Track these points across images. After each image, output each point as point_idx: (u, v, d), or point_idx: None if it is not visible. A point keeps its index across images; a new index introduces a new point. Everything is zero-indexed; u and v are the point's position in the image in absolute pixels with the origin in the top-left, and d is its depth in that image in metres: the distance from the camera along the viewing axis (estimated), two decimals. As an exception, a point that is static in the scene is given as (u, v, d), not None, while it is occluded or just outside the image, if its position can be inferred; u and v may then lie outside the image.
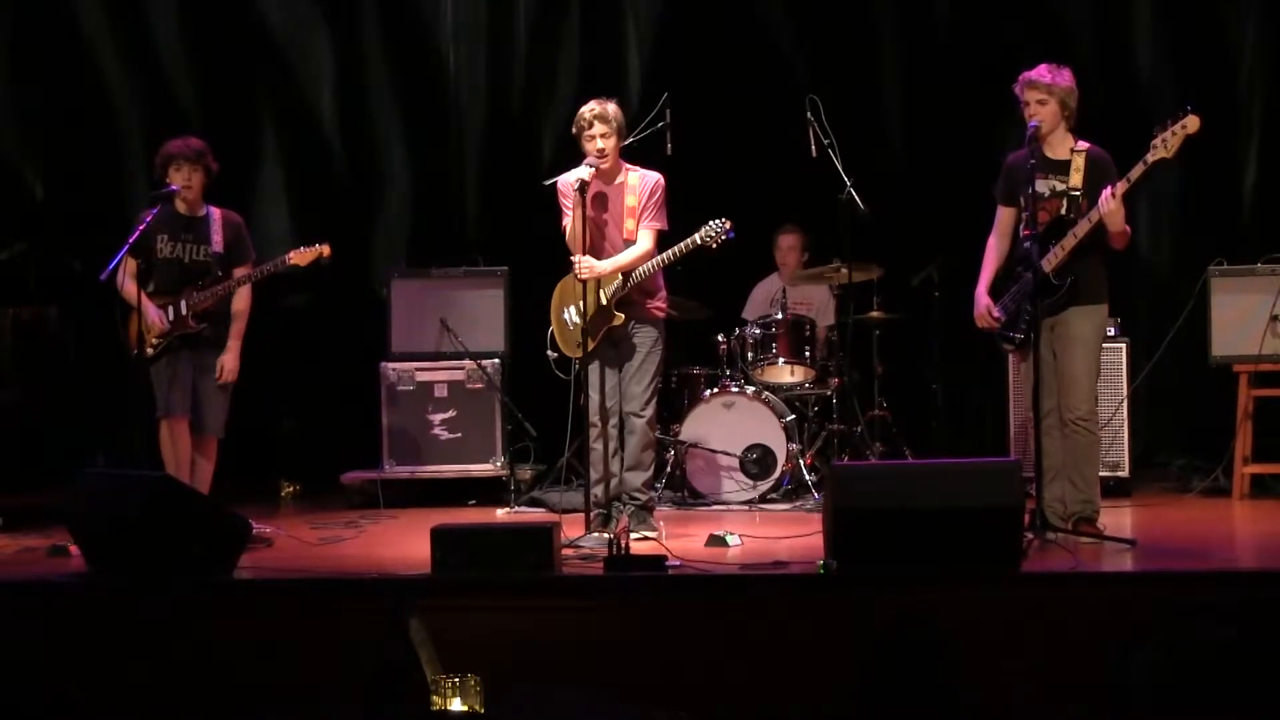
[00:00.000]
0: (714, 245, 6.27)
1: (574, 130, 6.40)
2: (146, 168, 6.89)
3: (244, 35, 8.91)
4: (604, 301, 6.32)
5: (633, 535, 6.14)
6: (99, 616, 5.16)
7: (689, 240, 6.28)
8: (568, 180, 6.34)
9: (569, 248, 6.39)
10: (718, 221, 6.24)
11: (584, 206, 6.22)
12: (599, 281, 6.33)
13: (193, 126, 8.08)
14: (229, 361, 6.67)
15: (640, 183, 6.40)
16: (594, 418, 6.39)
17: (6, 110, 8.94)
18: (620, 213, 6.39)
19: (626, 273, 6.33)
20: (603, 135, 6.29)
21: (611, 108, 6.36)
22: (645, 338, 6.45)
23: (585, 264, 6.25)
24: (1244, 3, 8.33)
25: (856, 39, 8.70)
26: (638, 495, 6.44)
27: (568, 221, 6.38)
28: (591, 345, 6.32)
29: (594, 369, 6.38)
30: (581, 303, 6.25)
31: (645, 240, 6.36)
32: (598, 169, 6.30)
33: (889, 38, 8.73)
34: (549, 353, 6.76)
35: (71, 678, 4.86)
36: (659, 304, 6.54)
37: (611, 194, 6.42)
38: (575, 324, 6.41)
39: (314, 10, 9.00)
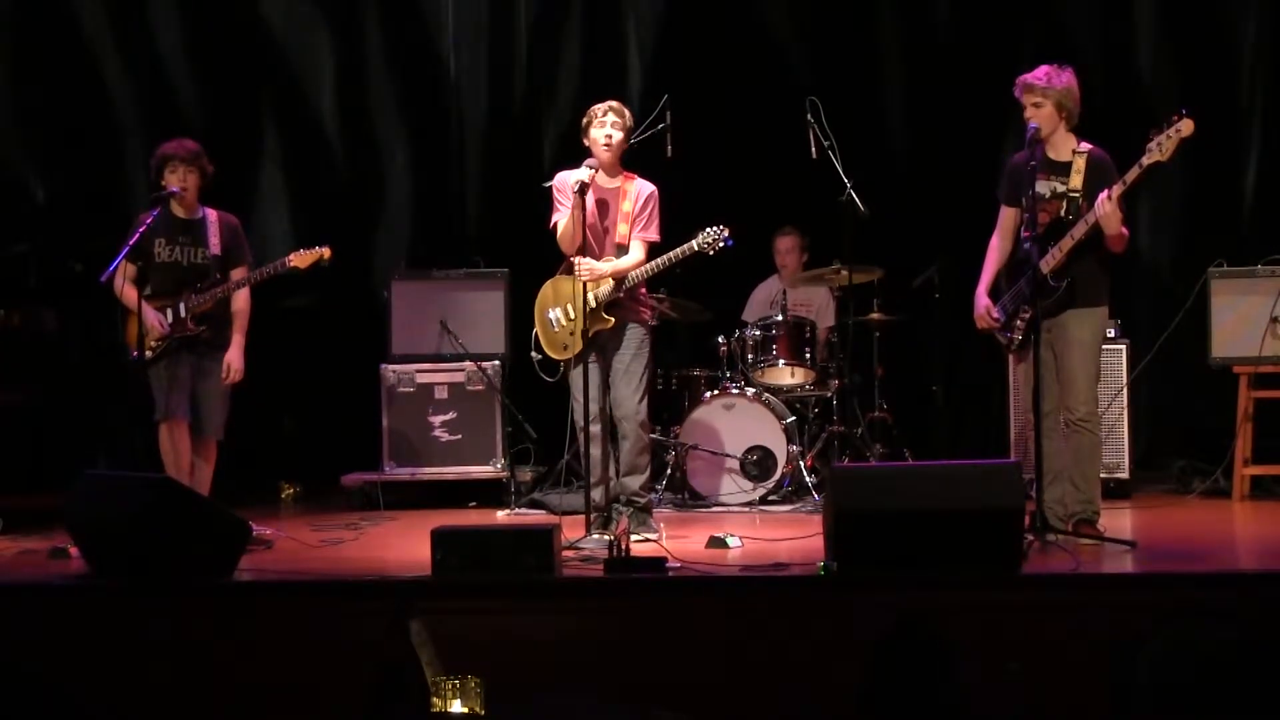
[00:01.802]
0: (711, 252, 6.26)
1: (583, 121, 6.42)
2: (147, 169, 6.88)
3: (244, 36, 8.91)
4: (593, 304, 6.32)
5: (633, 537, 6.15)
6: (99, 618, 5.15)
7: (686, 246, 6.28)
8: (566, 179, 6.34)
9: (559, 245, 6.40)
10: (715, 228, 6.24)
11: (583, 209, 6.22)
12: (587, 285, 6.31)
13: (193, 127, 8.09)
14: (235, 360, 6.67)
15: (636, 190, 6.40)
16: (584, 421, 6.37)
17: (7, 111, 8.93)
18: (615, 216, 6.40)
19: (619, 278, 6.34)
20: (614, 125, 6.33)
21: (626, 110, 6.42)
22: (632, 339, 6.43)
23: (586, 265, 6.24)
24: (1244, 3, 8.33)
25: (856, 39, 8.71)
26: (636, 498, 6.44)
27: (559, 218, 6.38)
28: (578, 348, 6.31)
29: (581, 373, 6.34)
30: (569, 305, 6.27)
31: (638, 251, 6.37)
32: (597, 170, 6.30)
33: (889, 38, 8.73)
34: (533, 355, 6.75)
35: (72, 680, 4.87)
36: (645, 308, 6.54)
37: (609, 197, 6.42)
38: (561, 325, 6.41)
39: (314, 11, 9.00)
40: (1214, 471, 7.46)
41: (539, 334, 6.58)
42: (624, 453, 6.45)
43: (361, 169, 9.03)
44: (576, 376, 6.36)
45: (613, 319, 6.35)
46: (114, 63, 8.92)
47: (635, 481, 6.45)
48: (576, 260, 6.25)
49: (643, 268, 6.33)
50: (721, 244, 6.25)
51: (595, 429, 6.37)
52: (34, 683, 4.50)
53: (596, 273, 6.28)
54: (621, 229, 6.37)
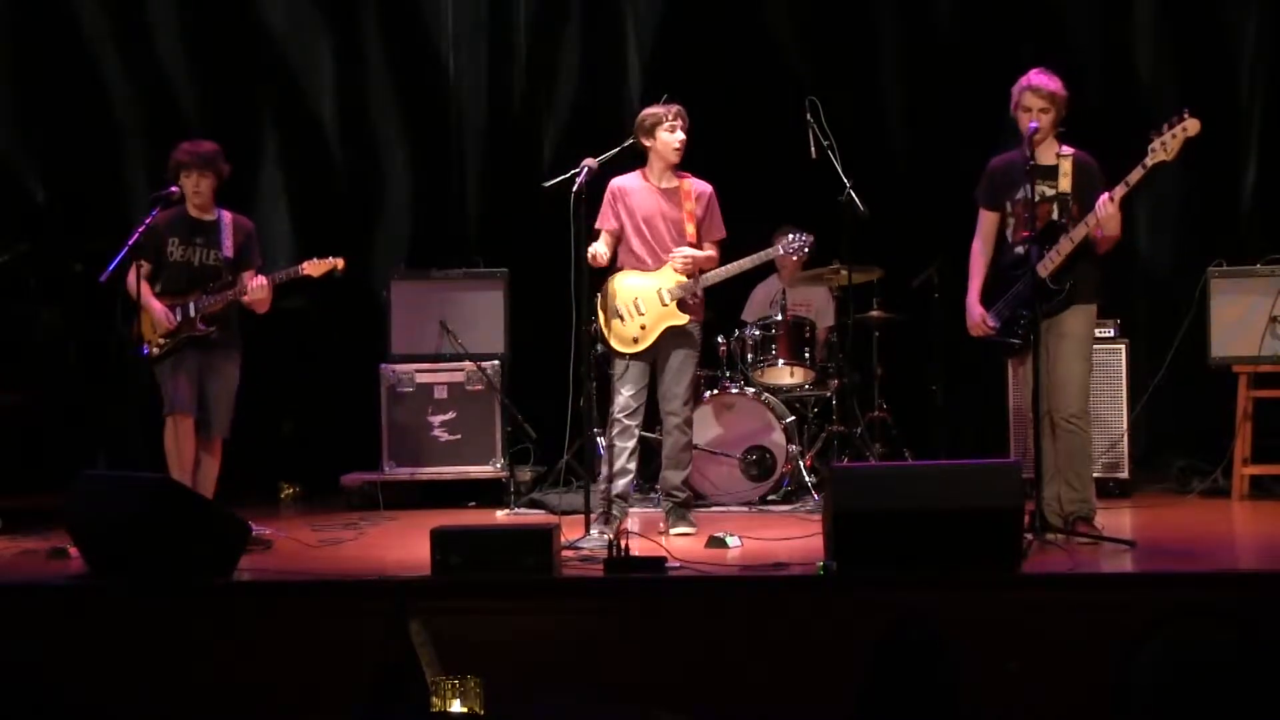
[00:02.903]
0: (794, 258, 6.70)
1: (645, 123, 6.46)
2: (147, 169, 6.89)
3: (244, 37, 8.91)
4: (666, 302, 6.40)
5: (673, 531, 6.36)
6: (99, 619, 5.15)
7: (767, 251, 6.57)
8: (616, 186, 6.46)
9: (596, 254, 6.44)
10: (800, 235, 6.55)
11: (581, 208, 6.24)
12: (662, 278, 6.43)
13: (193, 127, 8.08)
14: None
15: (695, 189, 6.52)
16: (620, 414, 6.41)
17: (7, 111, 8.93)
18: (680, 216, 6.47)
19: (693, 276, 6.44)
20: (684, 129, 6.44)
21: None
22: (690, 339, 6.55)
23: (683, 254, 6.39)
24: (1244, 3, 8.33)
25: (856, 39, 8.71)
26: (676, 493, 6.53)
27: (601, 225, 6.46)
28: (649, 341, 6.44)
29: (635, 367, 6.47)
30: (639, 300, 6.42)
31: (713, 251, 6.52)
32: (590, 169, 6.29)
33: (889, 38, 8.73)
34: (598, 348, 6.77)
35: (72, 680, 4.87)
36: (702, 307, 6.63)
37: (669, 196, 6.48)
38: (636, 317, 6.46)
39: (314, 11, 9.00)
40: (1213, 471, 7.46)
41: (603, 328, 6.57)
42: (670, 447, 6.56)
43: (361, 169, 9.03)
44: (619, 366, 6.46)
45: (687, 316, 6.44)
46: (114, 63, 8.92)
47: (678, 476, 6.55)
48: (676, 252, 6.40)
49: (721, 269, 6.48)
50: (805, 250, 6.65)
51: (632, 424, 6.45)
52: (34, 683, 4.50)
53: (692, 257, 6.41)
54: (689, 228, 6.47)
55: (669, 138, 6.41)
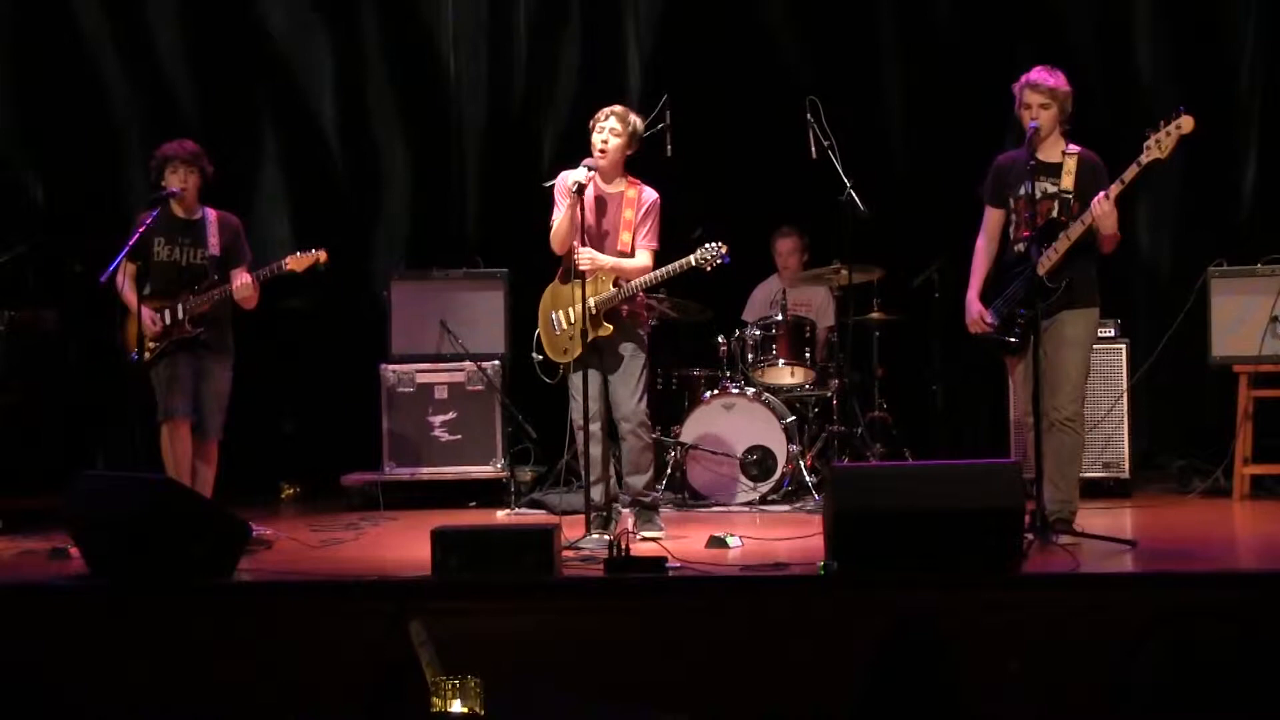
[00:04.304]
0: (708, 269, 6.27)
1: (590, 124, 6.41)
2: (146, 170, 6.88)
3: (244, 37, 8.91)
4: (593, 310, 6.30)
5: (641, 534, 6.24)
6: (99, 619, 5.14)
7: (684, 260, 6.29)
8: (565, 179, 6.32)
9: (551, 245, 6.39)
10: (715, 245, 6.25)
11: (580, 208, 6.21)
12: (588, 288, 6.29)
13: (193, 128, 8.09)
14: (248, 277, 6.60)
15: (639, 197, 6.40)
16: (582, 421, 6.38)
17: (6, 111, 8.93)
18: (617, 222, 6.39)
19: (618, 284, 6.33)
20: (612, 131, 6.31)
21: (633, 118, 6.37)
22: (629, 344, 6.44)
23: (586, 254, 6.24)
24: (1244, 3, 8.33)
25: (856, 39, 8.71)
26: (642, 497, 6.47)
27: (558, 215, 6.38)
28: (578, 351, 6.32)
29: (577, 376, 6.36)
30: (570, 309, 6.28)
31: (644, 258, 6.38)
32: (596, 170, 6.28)
33: (889, 38, 8.73)
34: (535, 356, 6.76)
35: (72, 680, 4.87)
36: (641, 313, 6.55)
37: (610, 201, 6.41)
38: (563, 329, 6.42)
39: (314, 11, 9.00)
40: (1214, 471, 7.46)
41: (541, 336, 6.58)
42: (627, 454, 6.47)
43: (361, 169, 9.03)
44: (576, 378, 6.37)
45: (612, 326, 6.34)
46: (113, 62, 8.92)
47: (640, 480, 6.47)
48: (575, 247, 6.25)
49: (643, 278, 6.33)
50: (719, 261, 6.26)
51: (594, 428, 6.37)
52: (34, 683, 4.50)
53: (597, 262, 6.27)
54: (625, 236, 6.37)
55: (594, 139, 6.32)
